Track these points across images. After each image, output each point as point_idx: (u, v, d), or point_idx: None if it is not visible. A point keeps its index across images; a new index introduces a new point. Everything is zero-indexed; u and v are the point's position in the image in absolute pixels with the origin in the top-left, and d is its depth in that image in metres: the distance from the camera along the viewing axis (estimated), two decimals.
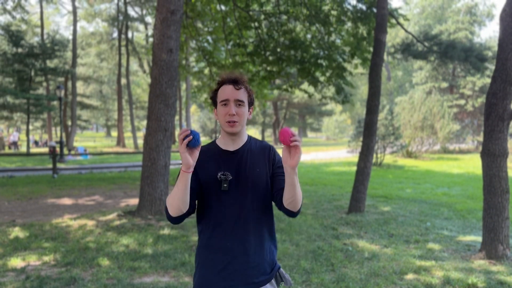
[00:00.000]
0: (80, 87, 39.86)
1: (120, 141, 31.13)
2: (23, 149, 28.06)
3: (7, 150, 26.75)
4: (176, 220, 1.63)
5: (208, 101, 12.17)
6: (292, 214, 1.65)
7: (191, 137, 1.43)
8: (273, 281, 1.75)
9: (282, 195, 1.64)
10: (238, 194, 1.66)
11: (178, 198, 1.54)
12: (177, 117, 37.11)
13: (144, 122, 45.23)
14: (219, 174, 1.66)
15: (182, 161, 1.46)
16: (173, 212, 1.58)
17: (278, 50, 10.45)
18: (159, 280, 3.81)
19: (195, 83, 17.79)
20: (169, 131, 6.51)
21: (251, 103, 1.74)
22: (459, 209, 7.47)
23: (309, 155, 24.07)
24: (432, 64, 27.83)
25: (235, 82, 1.67)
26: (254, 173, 1.69)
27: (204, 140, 42.66)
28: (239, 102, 1.66)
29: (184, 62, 13.03)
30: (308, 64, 10.09)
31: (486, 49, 14.68)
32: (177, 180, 1.54)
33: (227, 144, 1.73)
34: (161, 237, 5.21)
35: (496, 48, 5.61)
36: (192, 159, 1.48)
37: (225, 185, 1.65)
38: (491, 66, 14.15)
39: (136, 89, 42.15)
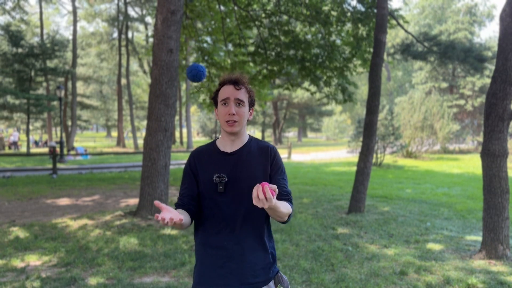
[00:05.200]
0: (80, 87, 39.82)
1: (120, 141, 31.14)
2: (23, 149, 28.06)
3: (7, 150, 26.75)
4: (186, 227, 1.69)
5: (206, 102, 12.17)
6: (281, 222, 1.68)
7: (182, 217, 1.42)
8: (271, 283, 1.74)
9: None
10: (235, 196, 1.67)
11: (180, 226, 1.57)
12: (177, 117, 37.12)
13: (144, 122, 45.22)
14: (214, 177, 1.67)
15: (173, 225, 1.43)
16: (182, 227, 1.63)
17: (279, 49, 10.46)
18: (159, 280, 3.81)
19: (194, 83, 17.79)
20: (169, 131, 6.51)
21: (251, 104, 1.74)
22: (459, 209, 7.47)
23: (309, 155, 24.07)
24: (432, 64, 27.84)
25: (236, 83, 1.68)
26: (250, 175, 1.69)
27: (204, 140, 42.67)
28: (239, 102, 1.67)
29: (184, 62, 13.02)
30: (308, 63, 10.10)
31: (486, 49, 14.70)
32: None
33: (225, 145, 1.74)
34: (161, 237, 5.21)
35: (496, 48, 5.61)
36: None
37: (221, 187, 1.66)
38: (491, 66, 14.16)
39: (136, 89, 42.14)
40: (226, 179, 1.67)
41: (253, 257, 1.68)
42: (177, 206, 1.72)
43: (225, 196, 1.67)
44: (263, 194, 1.37)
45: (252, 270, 1.68)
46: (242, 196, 1.67)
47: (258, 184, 1.40)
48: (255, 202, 1.39)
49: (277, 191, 1.42)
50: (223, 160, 1.71)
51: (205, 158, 1.74)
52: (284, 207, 1.58)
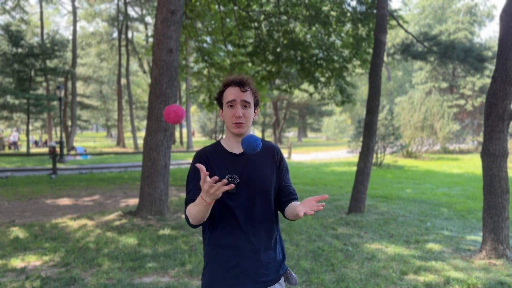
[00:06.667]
0: (80, 87, 39.83)
1: (120, 141, 31.13)
2: (23, 149, 28.06)
3: (7, 150, 26.75)
4: (196, 226, 1.64)
5: (206, 102, 12.17)
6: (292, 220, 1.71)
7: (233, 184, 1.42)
8: (281, 280, 1.77)
9: (286, 206, 1.72)
10: (246, 196, 1.68)
11: (202, 216, 1.53)
12: None
13: (144, 122, 45.22)
14: (226, 177, 1.67)
15: (209, 197, 1.40)
16: (196, 222, 1.59)
17: (278, 50, 10.45)
18: (159, 280, 3.81)
19: (194, 83, 17.81)
20: (169, 131, 6.51)
21: (256, 104, 1.75)
22: (459, 209, 7.47)
23: (309, 155, 24.06)
24: (432, 64, 27.84)
25: (242, 84, 1.68)
26: (261, 175, 1.70)
27: (204, 140, 42.66)
28: (245, 104, 1.68)
29: (184, 62, 13.03)
30: (308, 64, 10.09)
31: (486, 49, 14.68)
32: (199, 204, 1.48)
33: (232, 146, 1.74)
34: (161, 237, 5.21)
35: (496, 48, 5.61)
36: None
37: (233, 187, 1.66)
38: (491, 66, 14.15)
39: (136, 89, 42.14)
40: (238, 180, 1.67)
41: (265, 256, 1.69)
42: (189, 202, 1.64)
43: (237, 196, 1.67)
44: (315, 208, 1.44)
45: (265, 268, 1.69)
46: (254, 196, 1.68)
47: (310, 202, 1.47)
48: (301, 213, 1.43)
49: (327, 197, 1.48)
50: (233, 161, 1.71)
51: (213, 158, 1.72)
52: None
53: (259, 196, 1.69)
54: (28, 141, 23.32)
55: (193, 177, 1.72)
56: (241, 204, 1.67)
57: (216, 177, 1.35)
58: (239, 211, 1.67)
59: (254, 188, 1.68)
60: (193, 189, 1.69)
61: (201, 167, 1.38)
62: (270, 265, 1.71)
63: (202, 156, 1.73)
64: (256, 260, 1.67)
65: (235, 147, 1.74)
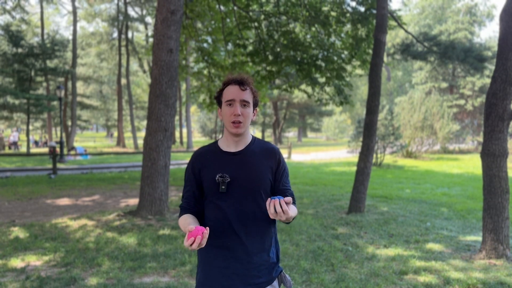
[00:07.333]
0: (80, 87, 39.82)
1: (120, 141, 31.13)
2: (23, 149, 28.06)
3: (7, 150, 26.75)
4: None
5: (206, 102, 12.17)
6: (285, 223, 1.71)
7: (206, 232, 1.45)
8: (275, 283, 1.74)
9: None
10: (238, 196, 1.66)
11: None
12: (177, 117, 37.11)
13: (144, 122, 45.22)
14: (217, 176, 1.66)
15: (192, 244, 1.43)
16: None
17: (278, 50, 10.45)
18: (159, 280, 3.81)
19: (194, 83, 17.82)
20: (169, 131, 6.52)
21: (255, 104, 1.74)
22: (459, 209, 7.47)
23: (309, 155, 24.07)
24: (432, 64, 27.83)
25: (241, 83, 1.67)
26: (255, 175, 1.68)
27: (204, 140, 42.65)
28: (244, 103, 1.66)
29: (184, 62, 13.04)
30: (307, 65, 10.09)
31: (486, 49, 14.68)
32: (184, 229, 1.57)
33: (229, 145, 1.73)
34: (161, 237, 5.21)
35: (496, 48, 5.61)
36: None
37: (223, 187, 1.65)
38: (491, 66, 14.16)
39: (136, 89, 42.13)
40: (229, 179, 1.65)
41: (258, 258, 1.67)
42: (183, 209, 1.72)
43: (229, 196, 1.65)
44: (280, 208, 1.43)
45: (257, 270, 1.67)
46: (246, 197, 1.66)
47: (270, 199, 1.46)
48: (272, 216, 1.44)
49: (291, 201, 1.45)
50: (227, 160, 1.70)
51: (207, 158, 1.72)
52: (293, 212, 1.61)
53: (252, 197, 1.66)
54: (28, 141, 23.33)
55: (187, 177, 1.76)
56: (232, 204, 1.65)
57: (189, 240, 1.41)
58: (231, 211, 1.65)
59: (247, 188, 1.66)
60: (185, 195, 1.74)
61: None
62: (263, 267, 1.69)
63: (197, 157, 1.75)
64: (248, 261, 1.65)
65: (232, 146, 1.72)
